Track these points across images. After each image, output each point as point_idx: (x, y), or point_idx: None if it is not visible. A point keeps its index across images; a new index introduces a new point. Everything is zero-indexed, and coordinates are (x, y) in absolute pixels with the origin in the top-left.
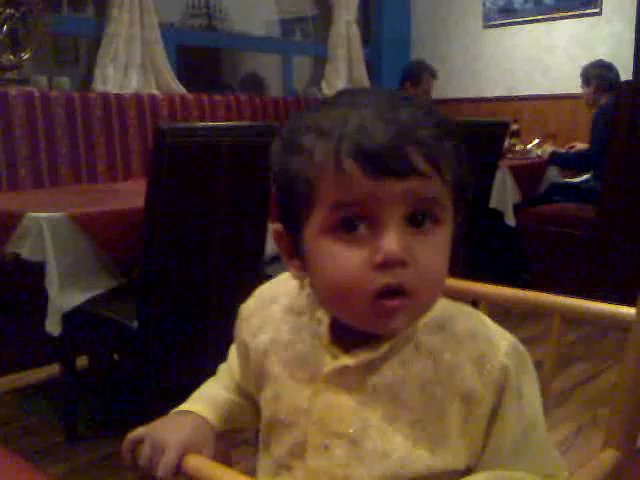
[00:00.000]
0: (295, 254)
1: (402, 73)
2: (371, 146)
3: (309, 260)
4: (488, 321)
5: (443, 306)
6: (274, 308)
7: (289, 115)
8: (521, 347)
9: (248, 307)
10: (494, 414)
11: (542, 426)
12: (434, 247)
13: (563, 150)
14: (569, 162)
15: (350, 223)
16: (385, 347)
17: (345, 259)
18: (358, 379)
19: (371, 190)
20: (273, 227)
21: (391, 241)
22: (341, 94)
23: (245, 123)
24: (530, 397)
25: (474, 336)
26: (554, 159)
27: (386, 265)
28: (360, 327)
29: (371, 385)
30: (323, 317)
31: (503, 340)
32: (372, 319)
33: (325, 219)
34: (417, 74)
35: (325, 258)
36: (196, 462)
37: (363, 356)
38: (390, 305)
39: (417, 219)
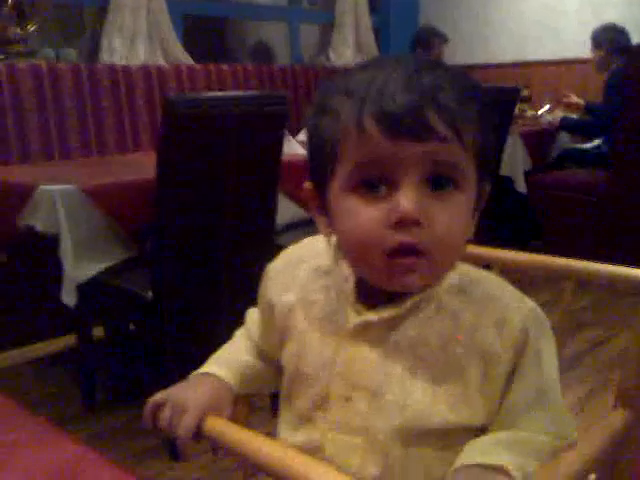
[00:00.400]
0: (323, 211)
1: (412, 39)
2: (391, 108)
3: (333, 217)
4: (509, 286)
5: (464, 271)
6: (301, 268)
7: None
8: (540, 312)
9: (275, 267)
10: (511, 374)
11: (557, 390)
12: (452, 210)
13: (574, 116)
14: (581, 128)
15: (370, 183)
16: (407, 305)
17: (364, 216)
18: (381, 334)
19: (390, 152)
20: (304, 185)
21: (407, 201)
22: (374, 59)
23: (254, 92)
24: (547, 361)
25: (495, 299)
26: (565, 125)
27: (401, 224)
28: (377, 284)
29: (393, 341)
30: (349, 275)
31: (523, 304)
32: (387, 276)
33: (347, 178)
34: (428, 39)
35: (345, 214)
36: (215, 423)
37: (386, 312)
38: (403, 263)
39: (437, 182)
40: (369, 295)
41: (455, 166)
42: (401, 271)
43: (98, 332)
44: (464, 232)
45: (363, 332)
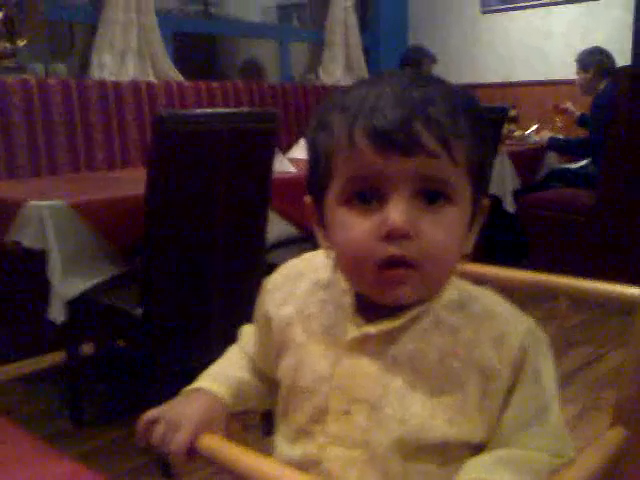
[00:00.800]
0: (321, 225)
1: (401, 58)
2: (381, 123)
3: (329, 229)
4: (507, 303)
5: (464, 287)
6: (300, 282)
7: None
8: (539, 329)
9: (273, 280)
10: (510, 391)
11: (556, 408)
12: (443, 223)
13: (561, 136)
14: (568, 149)
15: (363, 196)
16: (405, 318)
17: (356, 229)
18: (379, 348)
19: (380, 167)
20: (304, 198)
21: (396, 214)
22: (373, 76)
23: (244, 109)
24: (546, 379)
25: (494, 316)
26: (552, 145)
27: (391, 236)
28: (371, 297)
29: (391, 354)
30: (348, 289)
31: (522, 322)
32: (378, 288)
33: (341, 191)
34: (416, 59)
35: (339, 227)
36: (210, 441)
37: (384, 325)
38: (392, 275)
39: (427, 195)
40: (368, 309)
41: (445, 181)
42: (392, 283)
43: (87, 349)
44: (457, 245)
45: (362, 345)
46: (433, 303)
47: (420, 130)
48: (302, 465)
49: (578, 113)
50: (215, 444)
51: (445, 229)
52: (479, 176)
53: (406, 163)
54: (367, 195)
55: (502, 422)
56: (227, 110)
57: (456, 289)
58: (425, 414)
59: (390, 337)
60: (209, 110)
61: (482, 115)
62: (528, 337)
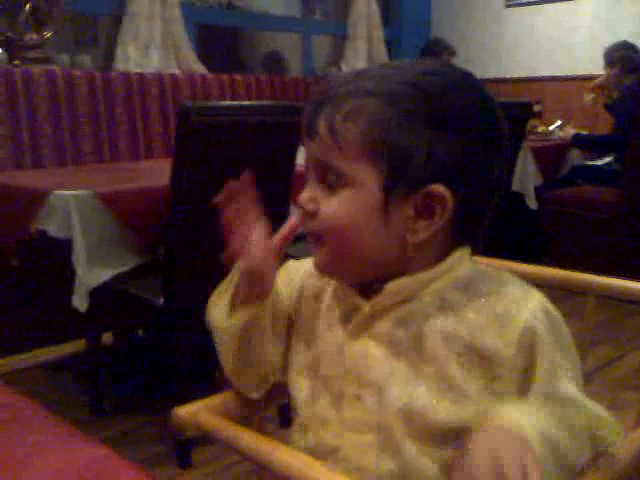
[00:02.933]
0: None
1: (420, 51)
2: (305, 112)
3: None
4: (518, 282)
5: (474, 269)
6: (303, 268)
7: None
8: (551, 307)
9: (310, 268)
10: (526, 375)
11: (577, 385)
12: (337, 204)
13: (585, 133)
14: (592, 145)
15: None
16: (411, 301)
17: None
18: (384, 331)
19: (306, 152)
20: None
21: (302, 195)
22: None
23: (269, 102)
24: (562, 359)
25: (499, 296)
26: (576, 142)
27: (303, 214)
28: None
29: (397, 337)
30: None
31: (530, 300)
32: None
33: None
34: (436, 52)
35: None
36: (212, 420)
37: (379, 304)
38: (308, 246)
39: (328, 180)
40: (368, 290)
41: (332, 165)
42: (312, 253)
43: (106, 338)
44: (358, 224)
45: (367, 329)
46: (438, 283)
47: (322, 114)
48: (318, 453)
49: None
50: (214, 422)
51: (339, 208)
52: (396, 162)
53: (311, 149)
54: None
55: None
56: (251, 103)
57: (469, 269)
58: (430, 396)
59: (395, 320)
60: (233, 102)
61: (420, 104)
62: (536, 316)
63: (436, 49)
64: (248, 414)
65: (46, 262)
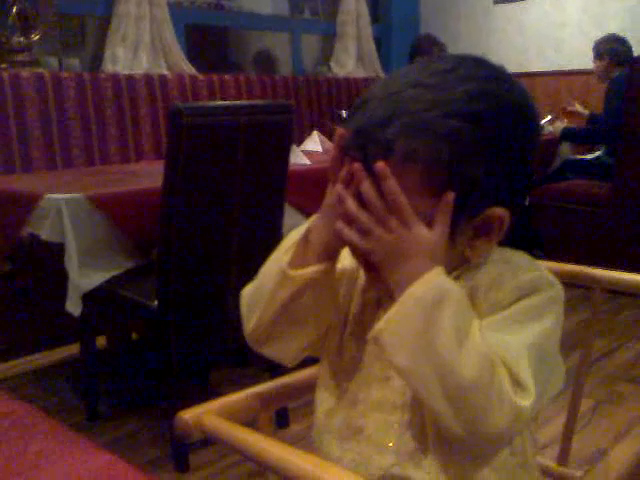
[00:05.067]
0: None
1: (410, 49)
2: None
3: None
4: (526, 256)
5: (500, 258)
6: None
7: None
8: (547, 283)
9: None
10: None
11: (543, 345)
12: None
13: (574, 125)
14: (582, 138)
15: None
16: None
17: None
18: None
19: None
20: None
21: None
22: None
23: (261, 102)
24: (537, 313)
25: (507, 262)
26: (566, 135)
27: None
28: None
29: None
30: None
31: (529, 272)
32: None
33: None
34: (426, 48)
35: None
36: (216, 422)
37: None
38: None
39: None
40: None
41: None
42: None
43: (101, 342)
44: None
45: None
46: (470, 274)
47: (367, 151)
48: (346, 433)
49: (586, 113)
50: (221, 425)
51: None
52: (458, 195)
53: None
54: None
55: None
56: (243, 103)
57: (496, 259)
58: None
59: None
60: (225, 102)
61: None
62: (528, 284)
63: (426, 46)
64: (254, 415)
65: (38, 266)
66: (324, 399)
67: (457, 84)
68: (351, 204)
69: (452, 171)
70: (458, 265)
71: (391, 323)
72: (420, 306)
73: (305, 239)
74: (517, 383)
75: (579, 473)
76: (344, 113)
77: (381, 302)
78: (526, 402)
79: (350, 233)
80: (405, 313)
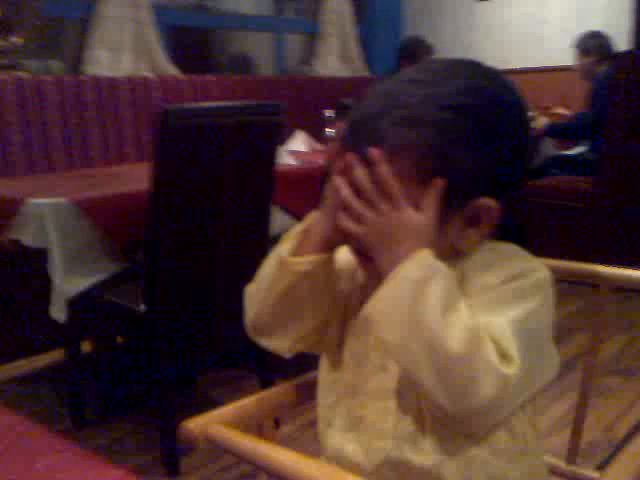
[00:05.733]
0: None
1: (398, 51)
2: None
3: None
4: (519, 250)
5: (492, 248)
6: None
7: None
8: (535, 274)
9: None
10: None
11: (528, 324)
12: None
13: (559, 120)
14: (566, 132)
15: None
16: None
17: None
18: None
19: None
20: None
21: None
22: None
23: (249, 102)
24: (521, 295)
25: (495, 250)
26: (551, 131)
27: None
28: None
29: None
30: None
31: (517, 262)
32: None
33: None
34: (413, 51)
35: None
36: (220, 431)
37: None
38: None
39: None
40: None
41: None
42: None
43: (85, 347)
44: None
45: None
46: (462, 264)
47: (364, 143)
48: (348, 424)
49: (569, 114)
50: (226, 434)
51: None
52: (450, 185)
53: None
54: None
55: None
56: (231, 103)
57: (488, 250)
58: None
59: None
60: (213, 104)
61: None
62: (517, 270)
63: (413, 47)
64: (258, 422)
65: (21, 272)
66: (325, 394)
67: (449, 81)
68: (346, 191)
69: (441, 160)
70: (448, 256)
71: (381, 300)
72: (409, 282)
73: (305, 231)
74: (502, 353)
75: (595, 474)
76: (328, 113)
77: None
78: (510, 370)
79: (345, 219)
80: (394, 289)
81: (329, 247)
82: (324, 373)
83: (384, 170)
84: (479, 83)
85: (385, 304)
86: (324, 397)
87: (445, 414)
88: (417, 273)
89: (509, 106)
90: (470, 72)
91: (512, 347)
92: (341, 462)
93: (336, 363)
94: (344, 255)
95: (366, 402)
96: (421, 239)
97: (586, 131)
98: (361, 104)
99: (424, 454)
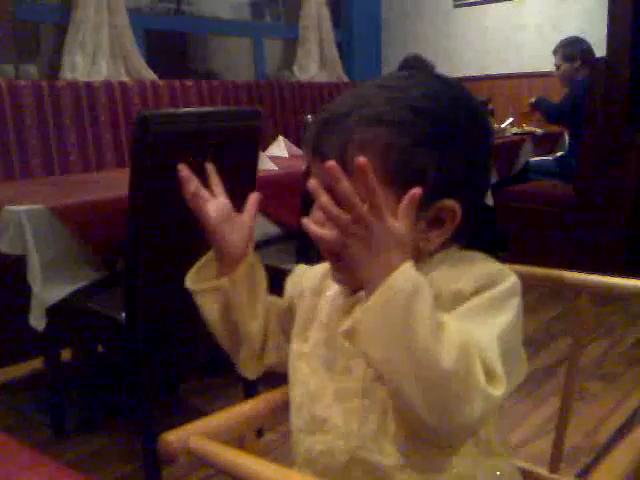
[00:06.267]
0: None
1: (399, 67)
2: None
3: None
4: (486, 256)
5: (462, 255)
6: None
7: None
8: (504, 276)
9: (314, 271)
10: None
11: (504, 334)
12: None
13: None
14: (551, 110)
15: None
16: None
17: None
18: None
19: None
20: None
21: (313, 214)
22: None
23: (228, 108)
24: (497, 303)
25: (470, 262)
26: (540, 104)
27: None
28: None
29: None
30: None
31: (486, 266)
32: None
33: None
34: (414, 67)
35: None
36: (202, 443)
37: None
38: (326, 257)
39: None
40: None
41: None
42: (331, 269)
43: (64, 354)
44: None
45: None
46: (432, 271)
47: (326, 142)
48: (312, 427)
49: (532, 100)
50: (208, 446)
51: None
52: (410, 186)
53: (320, 170)
54: None
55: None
56: (210, 109)
57: (457, 256)
58: None
59: None
60: (193, 109)
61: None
62: (484, 278)
63: (414, 65)
64: (240, 434)
65: None
66: (292, 398)
67: (414, 87)
68: (324, 198)
69: (403, 160)
70: (414, 258)
71: (369, 313)
72: (401, 296)
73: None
74: (489, 373)
75: None
76: (309, 118)
77: (347, 304)
78: (498, 392)
79: (323, 231)
80: (385, 303)
81: (232, 260)
82: (291, 379)
83: (372, 180)
84: (441, 89)
85: (374, 317)
86: (291, 401)
87: (425, 428)
88: (406, 286)
89: (468, 111)
90: (433, 80)
91: (498, 365)
92: (312, 465)
93: (303, 366)
94: (305, 277)
95: (330, 404)
96: (405, 249)
97: (555, 118)
98: (330, 105)
99: (388, 454)
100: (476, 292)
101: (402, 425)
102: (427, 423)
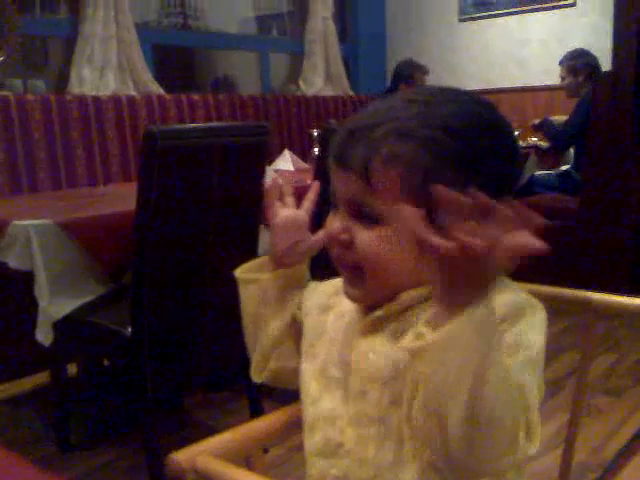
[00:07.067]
0: None
1: (393, 73)
2: (334, 143)
3: None
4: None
5: None
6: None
7: None
8: (527, 304)
9: (324, 288)
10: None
11: (533, 380)
12: (377, 236)
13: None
14: (553, 133)
15: (335, 205)
16: (419, 306)
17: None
18: (391, 331)
19: (334, 181)
20: None
21: (332, 222)
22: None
23: (236, 123)
24: (526, 343)
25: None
26: (545, 124)
27: (331, 240)
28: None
29: (401, 332)
30: None
31: (508, 294)
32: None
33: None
34: (409, 73)
35: None
36: (208, 463)
37: (391, 308)
38: (340, 271)
39: (357, 213)
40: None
41: (366, 203)
42: (344, 283)
43: (70, 369)
44: (397, 255)
45: (373, 327)
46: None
47: (352, 153)
48: (326, 450)
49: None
50: (215, 465)
51: (379, 241)
52: (433, 204)
53: (343, 181)
54: (335, 204)
55: None
56: (218, 124)
57: None
58: None
59: (397, 318)
60: (200, 125)
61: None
62: (507, 308)
63: (408, 70)
64: (248, 453)
65: (5, 295)
66: (304, 418)
67: (444, 103)
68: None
69: (426, 177)
70: (430, 275)
71: (449, 338)
72: (493, 325)
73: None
74: (528, 429)
75: None
76: (315, 132)
77: (358, 323)
78: (530, 450)
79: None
80: (479, 326)
81: (279, 265)
82: (302, 399)
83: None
84: (471, 108)
85: (454, 343)
86: (304, 422)
87: (447, 459)
88: (493, 319)
89: (498, 132)
90: (463, 98)
91: (536, 420)
92: None
93: (314, 387)
94: (307, 297)
95: (345, 428)
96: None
97: (560, 143)
98: (356, 115)
99: None
100: (502, 322)
101: (418, 454)
102: (456, 457)
